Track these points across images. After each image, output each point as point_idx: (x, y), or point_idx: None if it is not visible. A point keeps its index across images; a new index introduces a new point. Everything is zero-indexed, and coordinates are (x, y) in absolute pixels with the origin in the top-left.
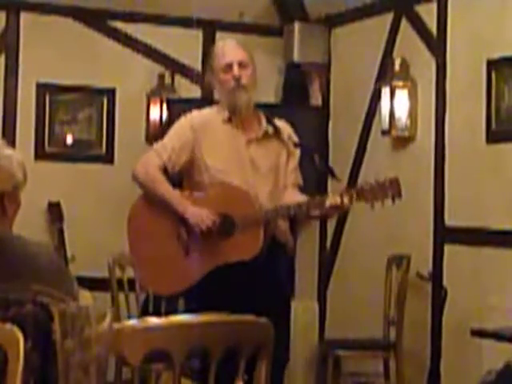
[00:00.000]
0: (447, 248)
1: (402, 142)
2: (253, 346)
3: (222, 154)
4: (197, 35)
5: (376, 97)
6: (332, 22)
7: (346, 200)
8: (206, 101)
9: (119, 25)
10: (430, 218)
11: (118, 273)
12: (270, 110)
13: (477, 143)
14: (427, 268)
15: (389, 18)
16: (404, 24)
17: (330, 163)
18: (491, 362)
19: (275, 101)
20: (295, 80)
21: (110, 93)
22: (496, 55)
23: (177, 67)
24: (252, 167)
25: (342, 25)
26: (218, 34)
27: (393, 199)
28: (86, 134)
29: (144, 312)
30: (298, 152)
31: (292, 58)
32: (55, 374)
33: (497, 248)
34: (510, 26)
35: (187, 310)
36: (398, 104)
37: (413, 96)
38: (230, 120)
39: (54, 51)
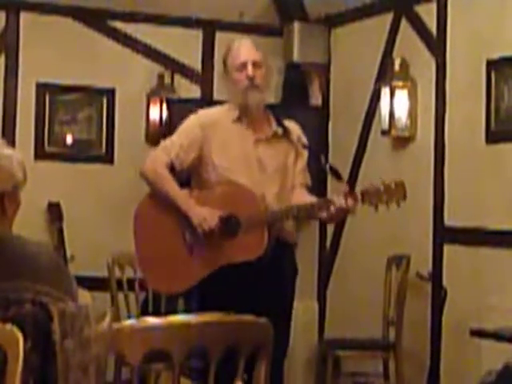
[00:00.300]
0: (447, 248)
1: (402, 142)
2: (252, 345)
3: (229, 153)
4: (196, 35)
5: (376, 97)
6: (332, 21)
7: (350, 202)
8: (206, 101)
9: (119, 25)
10: (430, 218)
11: (117, 273)
12: (270, 110)
13: (476, 143)
14: (427, 268)
15: (388, 18)
16: (404, 24)
17: (331, 163)
18: (490, 362)
19: (275, 101)
20: (295, 80)
21: (110, 93)
22: (496, 55)
23: (176, 67)
24: (259, 167)
25: (341, 25)
26: (218, 34)
27: (398, 203)
28: (86, 134)
29: (143, 312)
30: (306, 153)
31: (292, 57)
32: (55, 373)
33: (496, 248)
34: (510, 26)
35: (190, 310)
36: (397, 104)
37: (413, 96)
38: (239, 119)
39: (53, 51)
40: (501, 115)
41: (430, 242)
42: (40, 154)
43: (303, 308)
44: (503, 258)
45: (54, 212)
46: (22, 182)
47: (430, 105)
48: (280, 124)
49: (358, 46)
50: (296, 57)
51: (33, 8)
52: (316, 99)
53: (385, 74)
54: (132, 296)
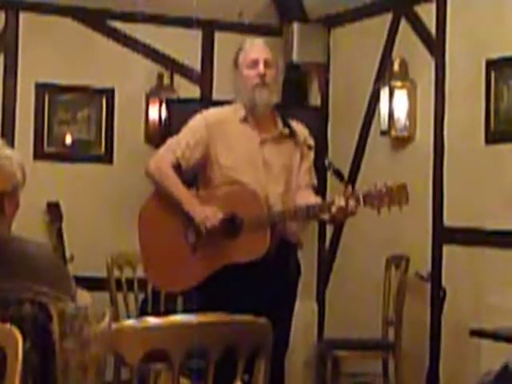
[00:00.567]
0: (446, 248)
1: (401, 142)
2: (251, 345)
3: (235, 152)
4: (196, 35)
5: (375, 97)
6: (331, 22)
7: (351, 203)
8: (205, 101)
9: (118, 25)
10: (429, 218)
11: (116, 273)
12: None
13: (476, 144)
14: (426, 268)
15: (388, 18)
16: (403, 24)
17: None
18: (490, 362)
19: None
20: (294, 80)
21: (109, 93)
22: (495, 55)
23: (176, 67)
24: (264, 167)
25: (341, 25)
26: (217, 34)
27: (400, 206)
28: (85, 134)
29: (142, 312)
30: (312, 153)
31: (291, 58)
32: (54, 373)
33: (495, 248)
34: (509, 26)
35: (189, 310)
36: (397, 104)
37: (412, 96)
38: (245, 119)
39: (53, 51)
40: (500, 116)
41: (429, 243)
42: (39, 154)
43: (302, 308)
44: (502, 259)
45: (54, 212)
46: (22, 183)
47: (430, 105)
48: (286, 125)
49: (357, 46)
50: (295, 57)
51: (32, 8)
52: (315, 99)
53: (384, 75)
54: (131, 296)
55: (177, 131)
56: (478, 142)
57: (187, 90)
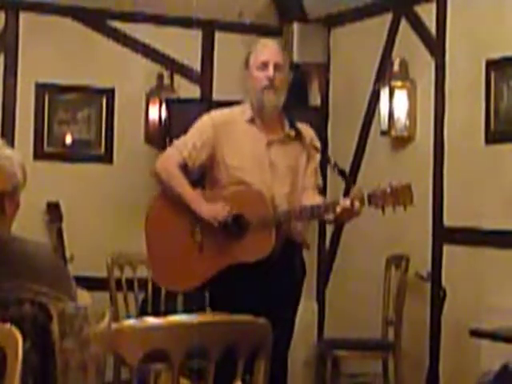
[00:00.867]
0: (446, 248)
1: (401, 142)
2: (251, 345)
3: (241, 153)
4: (196, 35)
5: (375, 97)
6: (331, 22)
7: (356, 204)
8: (205, 101)
9: (118, 25)
10: (429, 218)
11: (116, 272)
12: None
13: (476, 144)
14: (426, 268)
15: (388, 18)
16: (403, 24)
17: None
18: (490, 362)
19: None
20: (294, 80)
21: (109, 93)
22: (495, 55)
23: (176, 67)
24: (271, 168)
25: (341, 25)
26: (217, 34)
27: (404, 206)
28: (85, 134)
29: (142, 312)
30: (318, 155)
31: (291, 58)
32: (54, 373)
33: (495, 248)
34: (509, 26)
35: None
36: (397, 104)
37: (412, 96)
38: (252, 120)
39: (53, 51)
40: (500, 116)
41: (429, 242)
42: (39, 154)
43: (302, 308)
44: (502, 259)
45: (54, 212)
46: (22, 183)
47: (430, 105)
48: (293, 126)
49: (357, 46)
50: (295, 57)
51: (32, 8)
52: (315, 99)
53: (384, 75)
54: (131, 296)
55: (177, 131)
56: (478, 142)
57: (187, 90)
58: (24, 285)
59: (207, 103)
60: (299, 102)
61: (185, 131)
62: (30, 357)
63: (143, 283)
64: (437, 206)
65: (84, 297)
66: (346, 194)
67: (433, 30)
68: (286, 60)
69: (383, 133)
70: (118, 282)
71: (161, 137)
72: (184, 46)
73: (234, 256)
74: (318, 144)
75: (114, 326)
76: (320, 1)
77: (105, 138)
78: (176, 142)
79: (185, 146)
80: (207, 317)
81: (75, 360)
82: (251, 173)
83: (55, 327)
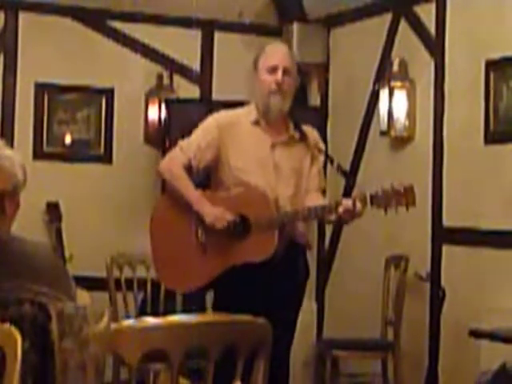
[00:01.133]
0: (445, 248)
1: (401, 142)
2: (251, 345)
3: (246, 155)
4: (195, 35)
5: (374, 97)
6: (331, 22)
7: (358, 204)
8: (205, 101)
9: (118, 25)
10: (428, 218)
11: (115, 272)
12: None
13: (475, 144)
14: (425, 268)
15: (387, 18)
16: (403, 24)
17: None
18: (489, 362)
19: None
20: None
21: (109, 93)
22: (495, 55)
23: (175, 67)
24: (275, 170)
25: (340, 25)
26: (217, 34)
27: (407, 207)
28: (85, 134)
29: (142, 312)
30: (322, 157)
31: None
32: (53, 373)
33: (495, 249)
34: (509, 27)
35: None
36: (396, 104)
37: (411, 96)
38: (257, 122)
39: (52, 51)
40: (499, 116)
41: (429, 243)
42: (39, 154)
43: (302, 308)
44: (501, 259)
45: (53, 212)
46: (23, 183)
47: (429, 105)
48: (297, 128)
49: (356, 46)
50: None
51: (31, 8)
52: (315, 99)
53: (384, 75)
54: (130, 296)
55: (176, 131)
56: (478, 142)
57: (187, 90)
58: (24, 285)
59: (207, 103)
60: (298, 102)
61: (184, 131)
62: (30, 356)
63: (142, 283)
64: (436, 206)
65: (83, 297)
66: (346, 194)
67: (432, 30)
68: (294, 64)
69: (383, 133)
70: (118, 281)
71: (160, 137)
72: (183, 45)
73: (237, 257)
74: (322, 146)
75: (113, 325)
76: (320, 1)
77: (104, 138)
78: (181, 143)
79: (189, 147)
80: (206, 317)
81: (74, 360)
82: (255, 174)
83: (54, 327)
